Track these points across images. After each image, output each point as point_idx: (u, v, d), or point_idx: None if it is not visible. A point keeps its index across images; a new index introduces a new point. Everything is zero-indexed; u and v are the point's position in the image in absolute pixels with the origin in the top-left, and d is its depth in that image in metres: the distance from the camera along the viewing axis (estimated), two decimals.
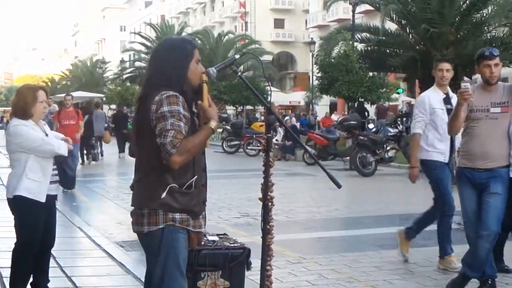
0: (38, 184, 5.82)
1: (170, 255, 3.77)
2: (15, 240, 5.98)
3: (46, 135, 6.04)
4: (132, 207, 3.89)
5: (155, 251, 3.80)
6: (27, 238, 5.88)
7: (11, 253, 6.00)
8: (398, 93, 39.27)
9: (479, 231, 6.21)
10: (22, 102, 5.88)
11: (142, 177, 3.83)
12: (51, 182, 5.92)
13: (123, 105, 40.69)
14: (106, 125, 25.08)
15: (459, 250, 7.69)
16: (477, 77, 6.38)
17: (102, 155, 25.14)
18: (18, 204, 5.85)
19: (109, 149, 26.33)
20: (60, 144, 5.92)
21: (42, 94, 5.97)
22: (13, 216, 5.97)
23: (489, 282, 6.38)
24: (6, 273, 6.47)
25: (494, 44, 25.05)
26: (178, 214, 3.76)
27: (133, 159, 4.00)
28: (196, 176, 3.83)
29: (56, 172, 5.99)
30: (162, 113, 3.65)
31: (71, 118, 14.92)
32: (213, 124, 3.76)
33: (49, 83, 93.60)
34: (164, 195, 3.72)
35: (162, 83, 3.75)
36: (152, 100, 3.71)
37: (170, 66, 3.79)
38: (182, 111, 3.68)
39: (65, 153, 5.94)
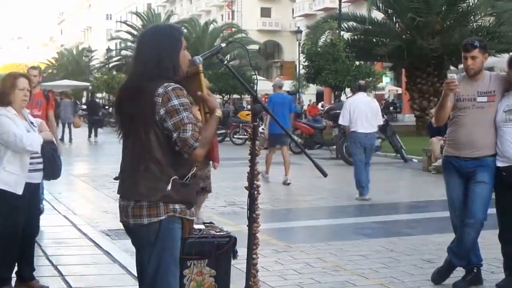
0: (16, 177, 5.74)
1: (167, 245, 3.75)
2: None
3: (32, 123, 5.99)
4: (120, 199, 3.84)
5: (152, 242, 3.75)
6: (7, 229, 5.81)
7: None
8: (387, 82, 39.27)
9: (465, 220, 6.24)
10: (1, 88, 5.81)
11: (137, 169, 3.73)
12: (35, 171, 5.86)
13: (95, 94, 41.25)
14: (80, 112, 28.97)
15: (445, 239, 7.74)
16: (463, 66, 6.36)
17: (71, 140, 27.71)
18: None
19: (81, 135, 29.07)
20: (33, 139, 5.75)
21: (22, 81, 5.85)
22: None
23: (475, 270, 6.42)
24: None
25: (480, 34, 25.18)
26: (177, 204, 3.75)
27: (114, 149, 3.97)
28: (195, 168, 3.85)
29: (40, 160, 5.93)
30: (174, 106, 3.61)
31: (35, 106, 9.03)
32: (219, 112, 3.81)
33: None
34: (169, 187, 3.69)
35: (160, 73, 3.70)
36: (154, 92, 3.64)
37: (165, 55, 3.73)
38: (188, 102, 3.69)
39: (37, 149, 5.78)
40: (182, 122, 3.60)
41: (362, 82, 14.85)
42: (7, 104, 5.78)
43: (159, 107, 3.63)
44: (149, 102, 3.64)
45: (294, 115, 17.27)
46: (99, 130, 30.07)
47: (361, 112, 12.39)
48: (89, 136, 29.18)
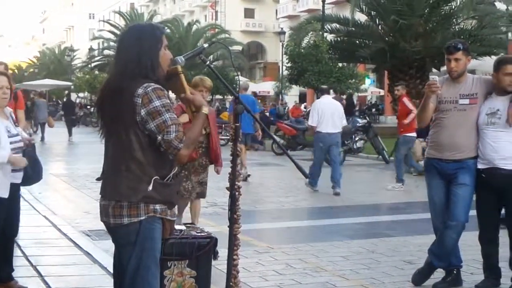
0: None
1: (147, 245, 3.74)
2: None
3: (15, 123, 5.93)
4: (101, 198, 3.83)
5: (132, 242, 3.74)
6: None
7: None
8: (369, 84, 39.39)
9: (447, 222, 6.27)
10: None
11: (120, 170, 3.72)
12: (15, 171, 5.74)
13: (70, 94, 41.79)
14: (61, 112, 30.07)
15: (425, 240, 7.77)
16: (446, 69, 6.39)
17: (43, 139, 27.67)
18: None
19: (59, 135, 29.35)
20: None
21: (1, 79, 5.75)
22: None
23: (454, 272, 6.46)
24: None
25: (462, 36, 25.29)
26: (158, 205, 3.74)
27: (95, 149, 3.95)
28: (176, 168, 3.85)
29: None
30: (155, 108, 3.59)
31: None
32: (205, 109, 3.80)
33: (16, 71, 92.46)
34: (150, 188, 3.68)
35: (139, 73, 3.68)
36: (133, 92, 3.62)
37: (144, 55, 3.71)
38: (170, 103, 3.67)
39: (3, 161, 5.55)
40: (166, 124, 3.60)
41: (324, 86, 15.92)
42: None
43: (140, 108, 3.62)
44: (129, 103, 3.63)
45: (259, 115, 18.54)
46: (74, 129, 30.64)
47: (327, 113, 13.22)
48: (69, 135, 29.46)
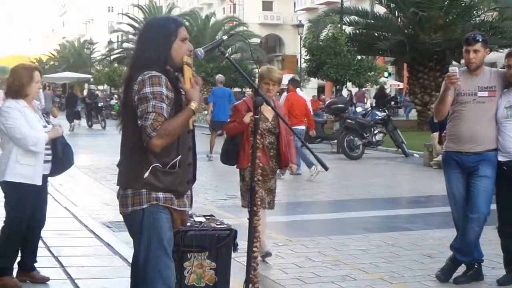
0: (32, 168, 5.82)
1: (153, 235, 3.76)
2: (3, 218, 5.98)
3: (44, 114, 6.09)
4: (118, 188, 3.88)
5: (138, 232, 3.79)
6: (16, 218, 5.88)
7: None
8: (386, 77, 39.26)
9: (468, 214, 6.22)
10: (18, 82, 5.87)
11: (126, 157, 3.83)
12: (44, 162, 5.90)
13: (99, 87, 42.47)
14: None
15: (445, 234, 7.74)
16: None
17: None
18: (8, 189, 5.87)
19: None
20: (39, 139, 5.80)
21: (37, 74, 5.98)
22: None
23: (476, 266, 6.41)
24: None
25: (482, 29, 25.14)
26: (161, 193, 3.75)
27: (115, 141, 3.99)
28: (180, 156, 3.80)
29: (49, 152, 5.97)
30: (144, 94, 3.62)
31: None
32: (193, 105, 3.70)
33: (36, 64, 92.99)
34: (146, 174, 3.70)
35: (144, 64, 3.73)
36: (135, 80, 3.69)
37: (151, 47, 3.76)
38: (165, 91, 3.65)
39: (41, 150, 5.82)
40: (146, 110, 3.60)
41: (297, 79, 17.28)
42: (23, 97, 5.87)
43: (135, 95, 3.67)
44: (132, 91, 3.69)
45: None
46: (76, 121, 31.59)
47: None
48: (70, 124, 30.26)
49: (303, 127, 14.03)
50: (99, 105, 33.01)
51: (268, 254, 7.09)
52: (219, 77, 19.08)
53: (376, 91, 33.40)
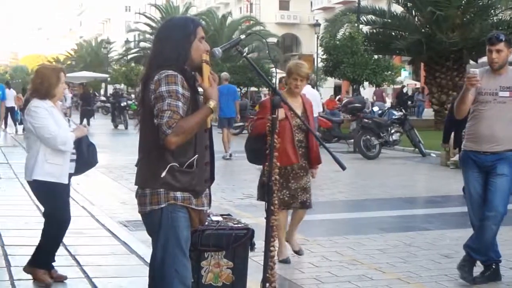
0: (60, 167, 5.91)
1: (170, 234, 3.77)
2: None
3: (65, 114, 6.17)
4: (137, 187, 3.90)
5: (156, 231, 3.80)
6: (62, 218, 6.02)
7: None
8: (406, 75, 39.10)
9: (485, 213, 6.18)
10: (47, 83, 5.93)
11: (144, 156, 3.84)
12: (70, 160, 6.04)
13: (127, 85, 42.36)
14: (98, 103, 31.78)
15: (462, 234, 7.69)
16: (483, 60, 6.30)
17: None
18: (37, 188, 5.97)
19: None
20: (67, 138, 5.90)
21: (63, 75, 6.07)
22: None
23: (493, 266, 6.37)
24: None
25: (500, 28, 24.95)
26: (179, 192, 3.76)
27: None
28: (197, 155, 3.80)
29: (73, 150, 6.06)
30: (160, 93, 3.63)
31: None
32: (211, 103, 3.71)
33: (54, 63, 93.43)
34: (164, 174, 3.71)
35: (162, 63, 3.74)
36: (152, 80, 3.70)
37: (170, 46, 3.77)
38: (181, 90, 3.65)
39: (70, 149, 5.94)
40: (162, 109, 3.61)
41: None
42: (50, 98, 5.94)
43: (151, 94, 3.69)
44: (149, 90, 3.71)
45: (239, 103, 20.14)
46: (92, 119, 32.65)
47: None
48: (114, 122, 31.71)
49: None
50: (122, 104, 32.48)
51: (287, 260, 7.06)
52: (224, 74, 19.49)
53: (398, 90, 33.25)
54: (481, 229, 6.24)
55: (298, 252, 7.26)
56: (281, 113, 6.53)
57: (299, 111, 6.85)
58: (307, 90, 14.20)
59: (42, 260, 6.09)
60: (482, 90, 6.16)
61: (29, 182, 6.03)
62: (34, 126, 5.87)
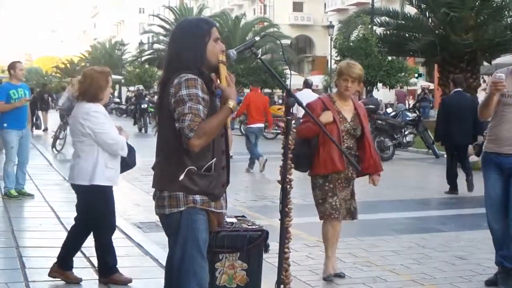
0: (114, 171, 6.02)
1: (189, 236, 3.79)
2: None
3: None
4: (154, 189, 3.92)
5: (175, 232, 3.82)
6: (109, 221, 6.18)
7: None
8: (416, 78, 39.01)
9: (510, 223, 6.06)
10: (96, 85, 5.91)
11: (161, 159, 3.85)
12: None
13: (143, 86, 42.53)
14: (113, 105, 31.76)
15: (477, 235, 7.67)
16: (497, 62, 6.23)
17: (46, 130, 28.80)
18: (95, 193, 5.96)
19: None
20: (124, 144, 5.98)
21: (111, 79, 6.10)
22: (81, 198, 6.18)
23: None
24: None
25: None
26: (198, 196, 3.77)
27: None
28: (215, 159, 3.82)
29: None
30: (181, 96, 3.64)
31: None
32: (231, 103, 3.74)
33: (68, 65, 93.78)
34: (182, 177, 3.73)
35: (180, 66, 3.75)
36: (171, 83, 3.71)
37: (186, 48, 3.78)
38: (201, 94, 3.67)
39: (126, 153, 6.02)
40: (183, 112, 3.62)
41: (309, 79, 17.29)
42: (99, 101, 5.95)
43: (171, 98, 3.69)
44: (168, 94, 3.72)
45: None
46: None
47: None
48: (136, 125, 30.89)
49: (260, 125, 15.54)
50: (143, 106, 31.00)
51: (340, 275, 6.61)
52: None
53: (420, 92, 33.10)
54: (508, 236, 6.11)
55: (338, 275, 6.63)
56: (328, 116, 6.26)
57: (349, 115, 6.41)
58: (306, 94, 14.18)
59: (71, 262, 6.20)
60: (506, 92, 6.04)
61: (81, 187, 5.96)
62: (94, 132, 5.82)
